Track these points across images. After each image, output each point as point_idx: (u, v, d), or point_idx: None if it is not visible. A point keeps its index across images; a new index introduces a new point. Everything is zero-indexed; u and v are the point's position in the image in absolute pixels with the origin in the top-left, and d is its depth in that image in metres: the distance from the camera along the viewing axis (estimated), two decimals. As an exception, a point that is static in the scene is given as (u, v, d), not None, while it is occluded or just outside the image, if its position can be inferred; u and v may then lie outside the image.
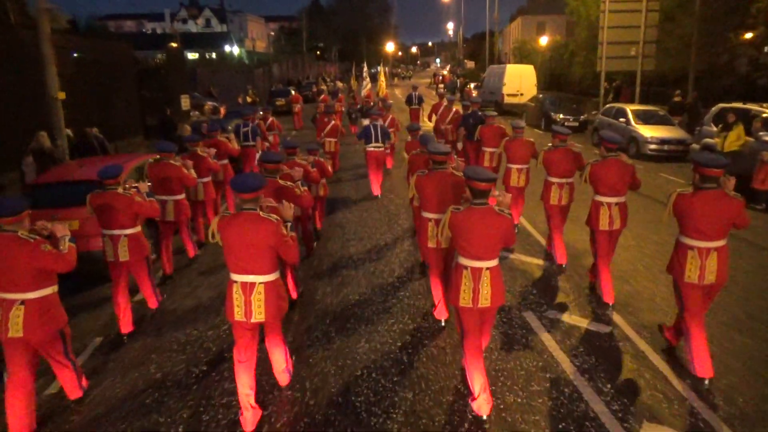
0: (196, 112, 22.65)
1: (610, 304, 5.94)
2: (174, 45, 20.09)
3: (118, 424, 4.31)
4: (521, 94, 25.87)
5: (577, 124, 19.55)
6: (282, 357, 4.50)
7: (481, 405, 4.15)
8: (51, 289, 4.13)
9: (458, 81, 42.87)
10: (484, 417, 4.15)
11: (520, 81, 26.08)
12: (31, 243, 3.92)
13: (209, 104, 24.66)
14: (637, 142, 14.41)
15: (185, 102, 19.36)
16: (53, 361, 4.32)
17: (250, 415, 4.12)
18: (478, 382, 4.16)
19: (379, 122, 10.58)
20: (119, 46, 16.03)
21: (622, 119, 15.19)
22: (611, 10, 19.89)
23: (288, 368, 4.61)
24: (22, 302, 3.97)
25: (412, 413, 4.31)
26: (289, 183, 5.55)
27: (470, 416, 4.22)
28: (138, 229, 5.62)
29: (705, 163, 4.44)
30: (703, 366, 4.53)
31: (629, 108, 15.45)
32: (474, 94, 31.52)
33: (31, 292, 3.99)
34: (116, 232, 5.46)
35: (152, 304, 6.09)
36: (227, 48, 61.73)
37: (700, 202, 4.45)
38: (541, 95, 22.79)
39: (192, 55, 49.85)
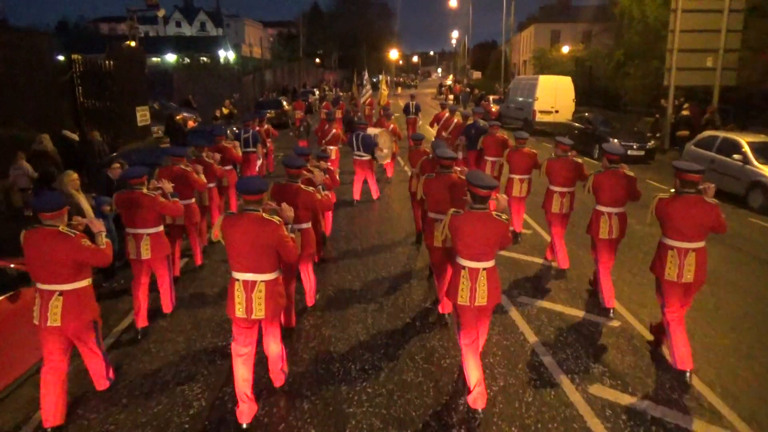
0: (161, 127, 18.46)
1: (611, 309, 6.08)
2: (131, 44, 15.85)
3: (141, 400, 4.57)
4: (556, 111, 21.66)
5: (642, 153, 15.31)
6: (278, 356, 4.57)
7: (476, 398, 4.28)
8: (86, 281, 4.25)
9: (470, 92, 38.78)
10: (479, 410, 4.29)
11: (555, 95, 21.85)
12: (72, 238, 4.05)
13: (181, 115, 20.52)
14: (766, 189, 10.19)
15: (142, 115, 15.10)
16: (85, 349, 4.42)
17: (246, 407, 4.23)
18: (473, 376, 4.30)
19: (362, 132, 10.55)
20: (41, 41, 11.78)
21: (735, 156, 10.93)
22: (685, 10, 15.80)
23: (284, 368, 4.70)
24: (60, 293, 4.09)
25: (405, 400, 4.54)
26: (310, 188, 5.63)
27: (465, 408, 4.39)
28: (161, 228, 5.70)
29: (685, 169, 4.72)
30: (683, 359, 4.78)
31: (744, 140, 11.18)
32: (494, 108, 27.54)
33: (69, 284, 4.11)
34: (140, 230, 5.56)
35: (166, 308, 6.08)
36: (221, 53, 57.91)
37: (679, 205, 4.73)
38: (587, 113, 18.54)
39: (185, 60, 45.98)
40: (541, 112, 21.84)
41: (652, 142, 15.76)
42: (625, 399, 4.51)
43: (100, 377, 4.59)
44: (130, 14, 16.08)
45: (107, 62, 13.87)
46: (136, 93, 15.00)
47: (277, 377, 4.65)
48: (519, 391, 4.61)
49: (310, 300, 6.23)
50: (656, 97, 19.82)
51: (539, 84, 22.14)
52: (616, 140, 15.72)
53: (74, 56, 13.38)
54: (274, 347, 4.48)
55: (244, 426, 4.17)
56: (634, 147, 15.37)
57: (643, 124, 20.24)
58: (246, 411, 4.20)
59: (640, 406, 4.41)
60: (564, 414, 4.33)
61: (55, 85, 11.92)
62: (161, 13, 16.32)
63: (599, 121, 17.27)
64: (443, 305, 6.03)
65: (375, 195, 11.24)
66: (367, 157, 10.53)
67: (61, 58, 13.02)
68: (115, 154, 10.39)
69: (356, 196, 11.09)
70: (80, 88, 13.11)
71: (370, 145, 10.46)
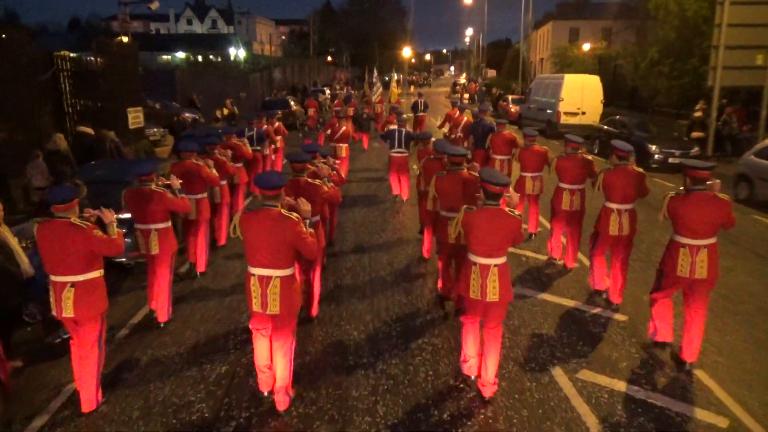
0: (159, 129, 17.26)
1: (615, 304, 6.19)
2: (123, 40, 14.61)
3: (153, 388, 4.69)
4: (583, 113, 20.13)
5: (685, 160, 13.79)
6: (285, 369, 4.37)
7: (471, 366, 4.62)
8: (98, 273, 4.31)
9: (486, 91, 37.22)
10: (472, 377, 4.63)
11: (581, 95, 20.28)
12: (84, 229, 4.13)
13: (182, 116, 19.32)
14: None
15: (135, 117, 13.87)
16: (84, 343, 4.34)
17: (265, 377, 4.41)
18: (470, 349, 4.62)
19: (404, 129, 10.70)
20: (20, 37, 10.50)
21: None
22: (733, 2, 14.24)
23: (288, 390, 4.45)
24: (72, 285, 4.16)
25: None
26: (316, 180, 5.65)
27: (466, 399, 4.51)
28: (168, 224, 5.76)
29: (695, 167, 4.76)
30: (690, 351, 4.92)
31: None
32: (513, 109, 26.04)
33: (81, 275, 4.17)
34: (149, 226, 5.64)
35: (161, 316, 5.89)
36: (232, 50, 56.98)
37: (691, 202, 4.77)
38: (619, 116, 17.03)
39: (191, 58, 45.10)
40: (567, 113, 20.29)
41: (696, 148, 14.19)
42: None
43: (89, 386, 4.37)
44: (122, 7, 14.85)
45: (95, 59, 12.62)
46: (128, 93, 13.75)
47: (282, 399, 4.39)
48: None
49: (313, 310, 6.06)
50: (693, 99, 18.25)
51: (565, 83, 20.56)
52: (655, 146, 14.24)
53: (63, 53, 12.21)
54: (282, 363, 4.30)
55: (266, 393, 4.42)
56: (676, 154, 13.82)
57: (677, 128, 18.69)
58: (265, 380, 4.40)
59: None
60: None
61: (34, 84, 10.71)
62: (154, 5, 15.07)
63: (634, 124, 15.73)
64: (443, 288, 6.22)
65: (405, 196, 11.20)
66: (406, 154, 10.59)
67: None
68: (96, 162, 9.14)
69: (395, 191, 11.20)
70: (68, 87, 11.94)
71: (410, 142, 10.63)
